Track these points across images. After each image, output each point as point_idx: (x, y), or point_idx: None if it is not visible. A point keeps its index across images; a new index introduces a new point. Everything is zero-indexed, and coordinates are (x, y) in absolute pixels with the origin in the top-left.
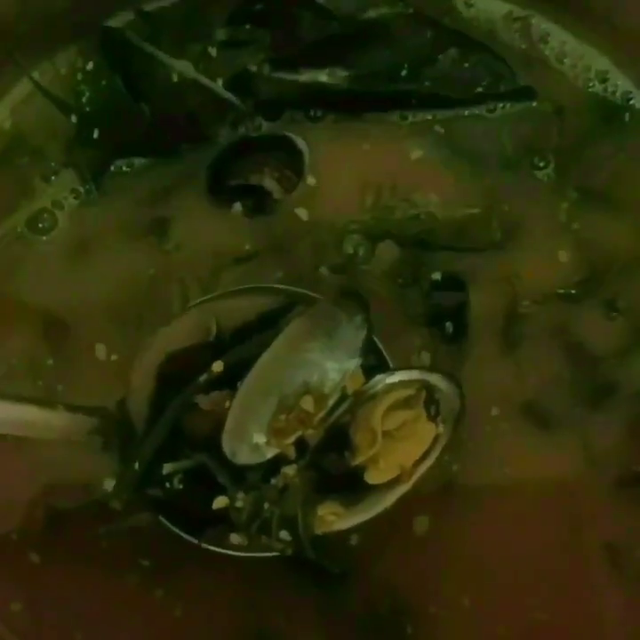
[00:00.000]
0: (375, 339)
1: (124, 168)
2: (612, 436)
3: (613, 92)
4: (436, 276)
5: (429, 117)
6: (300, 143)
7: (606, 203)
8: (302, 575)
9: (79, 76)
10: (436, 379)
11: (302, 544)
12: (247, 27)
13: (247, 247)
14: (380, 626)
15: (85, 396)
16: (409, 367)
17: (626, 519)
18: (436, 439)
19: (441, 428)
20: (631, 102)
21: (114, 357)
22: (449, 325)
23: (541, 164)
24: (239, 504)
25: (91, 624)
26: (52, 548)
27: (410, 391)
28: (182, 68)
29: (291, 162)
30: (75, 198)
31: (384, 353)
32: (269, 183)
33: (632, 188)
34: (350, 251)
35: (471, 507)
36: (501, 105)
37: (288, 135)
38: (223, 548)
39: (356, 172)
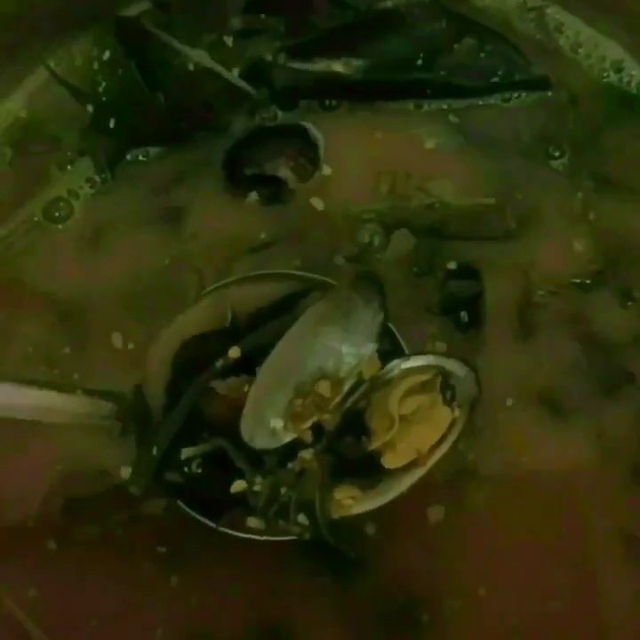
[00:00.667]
0: (390, 325)
1: (140, 157)
2: (628, 424)
3: (628, 82)
4: (451, 265)
5: (444, 107)
6: (316, 132)
7: (621, 192)
8: (318, 563)
9: (95, 66)
10: (451, 364)
11: (319, 528)
12: (262, 16)
13: (262, 236)
14: (396, 615)
15: (102, 385)
16: (425, 352)
17: None
18: (452, 424)
19: (457, 413)
20: None
21: (130, 346)
22: (464, 314)
23: (556, 154)
24: (257, 488)
25: (106, 611)
26: (68, 535)
27: (426, 376)
28: (198, 57)
29: (306, 151)
30: (90, 187)
31: (399, 338)
32: (285, 172)
33: None
34: (365, 240)
35: (487, 496)
36: (516, 94)
37: (303, 124)
38: (240, 532)
39: (370, 161)
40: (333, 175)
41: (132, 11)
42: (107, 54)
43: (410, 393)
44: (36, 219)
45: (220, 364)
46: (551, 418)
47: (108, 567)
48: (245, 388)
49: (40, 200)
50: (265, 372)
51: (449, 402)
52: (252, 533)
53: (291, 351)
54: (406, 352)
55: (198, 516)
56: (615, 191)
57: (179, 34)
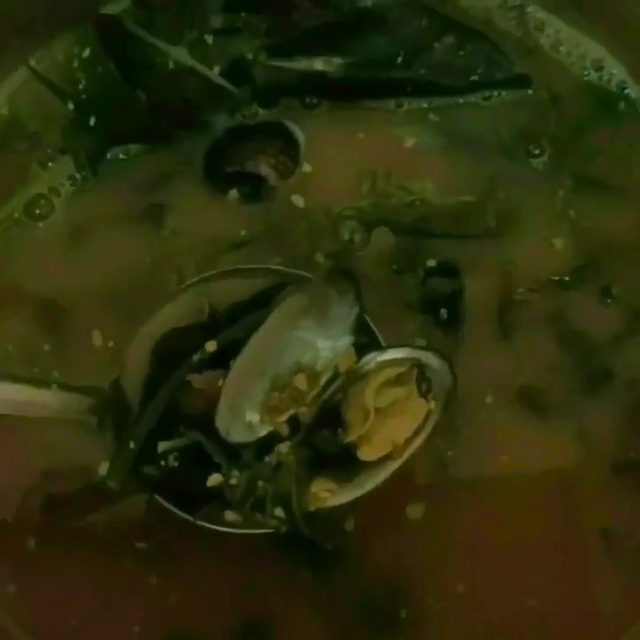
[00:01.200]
0: (367, 317)
1: (121, 155)
2: (609, 422)
3: (608, 81)
4: (432, 262)
5: (425, 105)
6: (297, 130)
7: (601, 190)
8: (298, 559)
9: (76, 63)
10: (427, 356)
11: (296, 521)
12: (243, 14)
13: (243, 233)
14: (376, 610)
15: (81, 382)
16: (400, 345)
17: (622, 506)
18: (427, 416)
19: (432, 405)
20: (626, 91)
21: (110, 344)
22: (444, 312)
23: (537, 152)
24: (233, 481)
25: (85, 608)
26: (47, 532)
27: (401, 369)
28: (178, 55)
29: (287, 149)
30: (71, 185)
31: (376, 331)
32: (265, 170)
33: (627, 176)
34: (346, 237)
35: (466, 494)
36: (497, 93)
37: (284, 122)
38: (218, 526)
39: (351, 159)
40: (314, 173)
41: (112, 9)
42: (86, 52)
43: (385, 385)
44: (16, 216)
45: (196, 357)
46: (531, 416)
47: (87, 564)
48: (220, 383)
49: (21, 198)
50: (240, 365)
51: (424, 394)
52: (230, 527)
53: (266, 345)
54: (383, 345)
55: (176, 510)
56: (595, 189)
57: (159, 32)
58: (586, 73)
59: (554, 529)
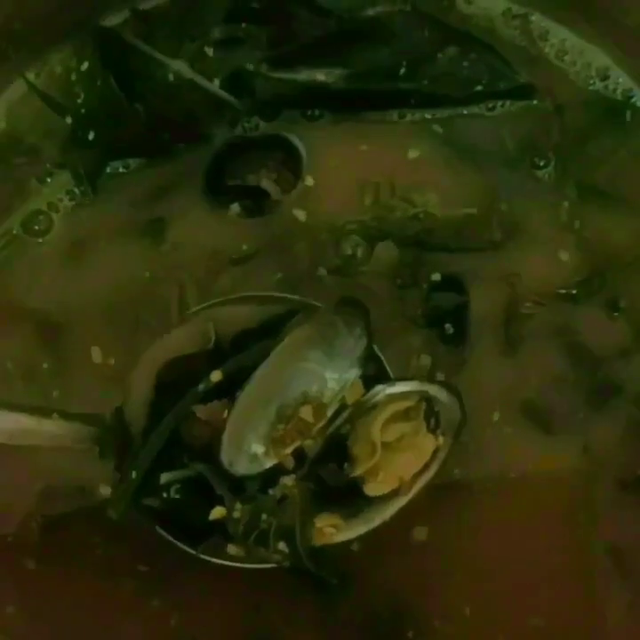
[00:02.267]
0: (375, 348)
1: (120, 169)
2: (615, 438)
3: (614, 90)
4: (436, 276)
5: (428, 116)
6: (298, 143)
7: (608, 201)
8: (302, 581)
9: (74, 77)
10: (435, 390)
11: (300, 556)
12: (244, 25)
13: (245, 248)
14: (381, 632)
15: (81, 401)
16: (409, 378)
17: (629, 522)
18: (435, 451)
19: (440, 440)
20: (632, 100)
21: (110, 361)
22: (449, 327)
23: (542, 163)
24: (236, 515)
25: (85, 631)
26: (47, 553)
27: (409, 403)
28: (178, 67)
29: (288, 162)
30: (70, 200)
31: (384, 363)
32: (267, 184)
33: (634, 187)
34: (349, 251)
35: (472, 512)
36: (501, 103)
37: (286, 135)
38: (221, 559)
39: (354, 172)
40: (316, 186)
41: (111, 21)
42: (85, 65)
43: (393, 420)
44: (15, 232)
45: (201, 387)
46: (538, 431)
47: (87, 586)
48: (225, 414)
49: (19, 213)
50: (245, 397)
51: (433, 429)
52: (233, 560)
53: (273, 375)
54: (391, 376)
55: (178, 543)
56: (601, 200)
57: (159, 44)
58: (591, 82)
59: (560, 546)
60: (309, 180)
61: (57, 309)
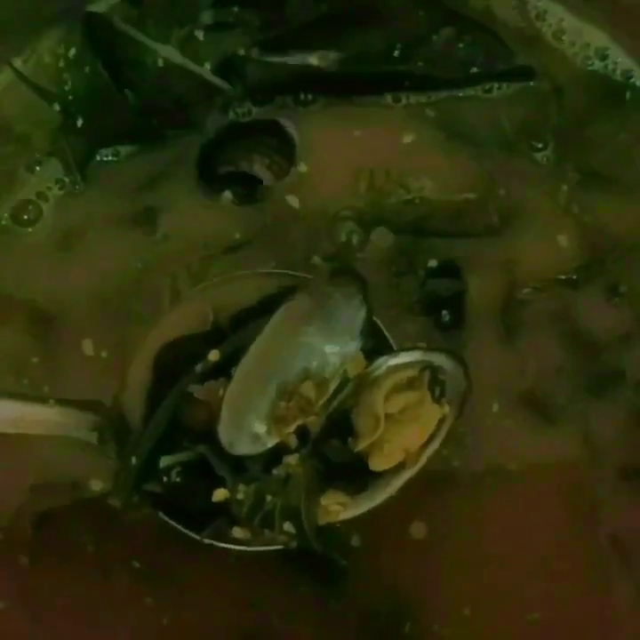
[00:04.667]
0: (376, 320)
1: (110, 157)
2: (616, 425)
3: (613, 70)
4: (432, 263)
5: (423, 99)
6: (291, 128)
7: (607, 184)
8: (299, 575)
9: (61, 64)
10: (440, 359)
11: (306, 536)
12: (235, 9)
13: (237, 236)
14: (378, 626)
15: (73, 395)
16: (412, 348)
17: (631, 512)
18: (441, 421)
19: (446, 410)
20: (632, 80)
21: (102, 353)
22: (446, 314)
23: (540, 146)
24: (240, 496)
25: (77, 628)
26: (40, 548)
27: (413, 372)
28: (168, 53)
29: (281, 148)
30: (60, 189)
31: (386, 333)
32: (260, 170)
33: (634, 169)
34: (343, 238)
35: (472, 504)
36: (498, 85)
37: (278, 120)
38: (225, 543)
39: (348, 158)
40: (310, 172)
41: (100, 6)
42: (73, 52)
43: (396, 390)
44: (4, 222)
45: (199, 367)
46: (537, 420)
47: (79, 583)
48: (221, 392)
49: (8, 203)
50: (241, 373)
51: (438, 398)
52: (238, 544)
53: (269, 351)
54: (394, 347)
55: (181, 528)
56: (601, 183)
57: (148, 29)
58: (590, 62)
59: (562, 538)
60: (303, 167)
61: (47, 301)
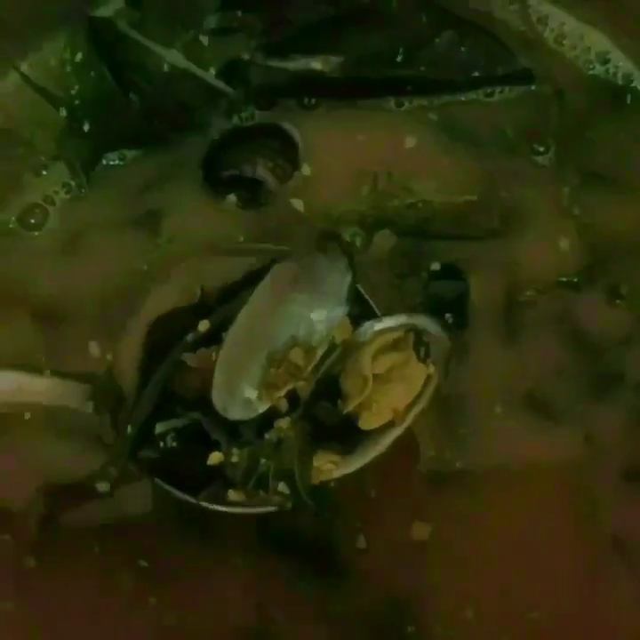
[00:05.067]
0: (360, 288)
1: (116, 160)
2: (617, 426)
3: (614, 74)
4: (435, 265)
5: (425, 103)
6: (294, 132)
7: (609, 186)
8: (304, 576)
9: (67, 68)
10: (423, 321)
11: (300, 495)
12: (239, 13)
13: (241, 239)
14: (382, 626)
15: None
16: (396, 312)
17: (633, 512)
18: (427, 381)
19: (431, 369)
20: (633, 84)
21: (108, 356)
22: (448, 316)
23: (541, 149)
24: (234, 459)
25: (82, 629)
26: (45, 550)
27: (398, 334)
28: (173, 57)
29: (285, 151)
30: (66, 192)
31: (370, 301)
32: (263, 173)
33: (634, 171)
34: (347, 241)
35: (474, 505)
36: (499, 89)
37: (281, 124)
38: (221, 506)
39: (351, 161)
40: (313, 176)
41: (105, 11)
42: (79, 56)
43: (383, 351)
44: (10, 226)
45: (190, 337)
46: (539, 421)
47: (84, 584)
48: (213, 357)
49: (15, 207)
50: (232, 337)
51: (423, 359)
52: (234, 506)
53: (259, 320)
54: (378, 314)
55: (178, 493)
56: (602, 186)
57: (153, 34)
58: (591, 66)
59: (563, 539)
60: (306, 170)
61: (53, 303)
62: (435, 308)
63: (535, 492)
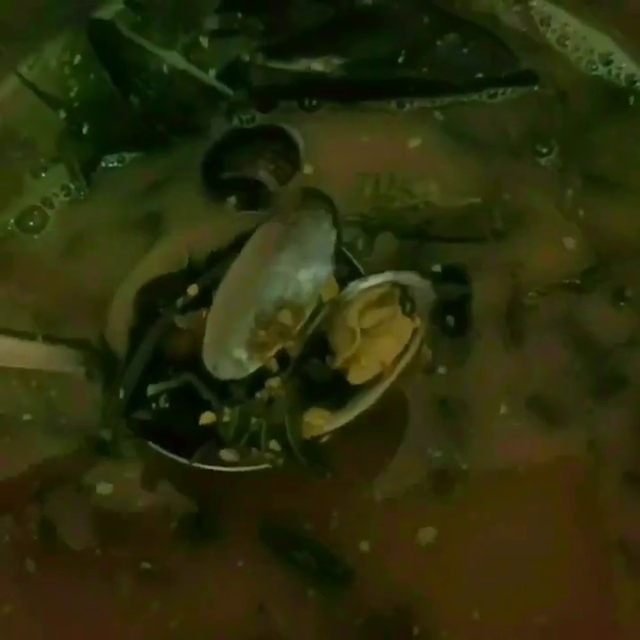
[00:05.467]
0: (344, 249)
1: (115, 163)
2: (621, 429)
3: (617, 75)
4: (437, 268)
5: (428, 105)
6: (295, 134)
7: (612, 188)
8: (307, 580)
9: (67, 70)
10: (409, 277)
11: (292, 452)
12: (239, 14)
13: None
14: (386, 630)
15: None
16: (381, 270)
17: (638, 516)
18: (414, 333)
19: (418, 322)
20: (636, 85)
21: None
22: (451, 319)
23: (544, 150)
24: (226, 419)
25: (83, 633)
26: (46, 552)
27: (383, 290)
28: (173, 59)
29: (286, 153)
30: (65, 195)
31: (354, 261)
32: (264, 175)
33: (638, 172)
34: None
35: (479, 507)
36: (502, 90)
37: (283, 126)
38: (215, 466)
39: (353, 163)
40: (314, 177)
41: (105, 13)
42: (78, 58)
43: (369, 307)
44: (9, 228)
45: (179, 301)
46: (544, 425)
47: (86, 587)
48: (204, 315)
49: (14, 209)
50: (221, 297)
51: (409, 313)
52: (227, 466)
53: (246, 281)
54: (362, 273)
55: (171, 454)
56: (606, 187)
57: (153, 35)
58: (594, 67)
59: (569, 543)
60: (308, 171)
61: (54, 306)
62: (437, 311)
63: (539, 493)
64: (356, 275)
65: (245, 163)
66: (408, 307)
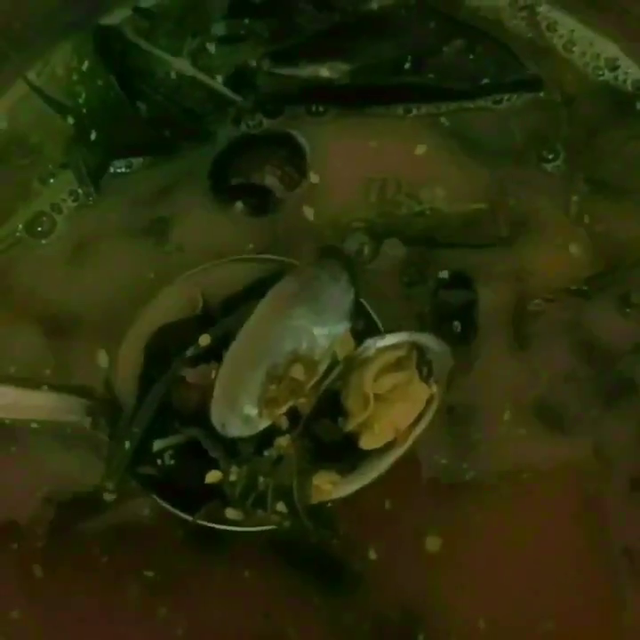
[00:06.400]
0: (364, 302)
1: (123, 168)
2: (628, 436)
3: (624, 81)
4: (443, 273)
5: (434, 110)
6: (302, 140)
7: (618, 194)
8: (313, 586)
9: (75, 77)
10: (427, 339)
11: (299, 515)
12: (246, 21)
13: (250, 247)
14: (392, 636)
15: None
16: (399, 329)
17: None
18: (429, 400)
19: (434, 389)
20: None
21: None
22: (457, 325)
23: (550, 156)
24: (233, 477)
25: (90, 637)
26: (53, 559)
27: (401, 352)
28: (180, 65)
29: (293, 159)
30: (73, 201)
31: (373, 316)
32: (271, 181)
33: None
34: (354, 249)
35: (485, 514)
36: (508, 96)
37: (289, 132)
38: (219, 524)
39: (359, 168)
40: (321, 183)
41: (112, 19)
42: (86, 64)
43: (385, 370)
44: (18, 234)
45: (190, 352)
46: (549, 431)
47: (93, 593)
48: (213, 374)
49: (22, 215)
50: (232, 355)
51: (426, 378)
52: (231, 525)
53: (259, 334)
54: (381, 329)
55: (175, 510)
56: (612, 193)
57: (160, 41)
58: (600, 73)
59: (575, 549)
60: (314, 178)
61: (61, 312)
62: (443, 317)
63: (545, 501)
64: (373, 330)
65: (252, 168)
66: (425, 371)
